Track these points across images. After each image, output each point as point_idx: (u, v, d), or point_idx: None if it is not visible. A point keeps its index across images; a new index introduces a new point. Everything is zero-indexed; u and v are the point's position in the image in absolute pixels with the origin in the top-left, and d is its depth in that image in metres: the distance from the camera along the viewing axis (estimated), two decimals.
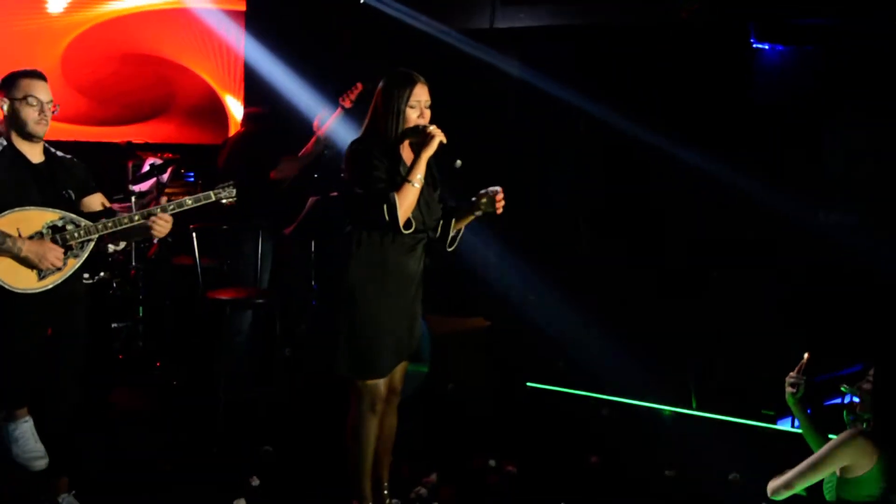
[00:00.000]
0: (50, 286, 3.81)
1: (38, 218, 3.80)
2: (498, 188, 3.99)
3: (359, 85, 6.00)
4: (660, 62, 6.47)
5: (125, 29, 7.35)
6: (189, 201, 3.97)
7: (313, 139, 6.21)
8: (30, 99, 3.84)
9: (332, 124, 6.11)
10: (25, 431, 3.96)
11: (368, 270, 3.91)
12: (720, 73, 6.29)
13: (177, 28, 7.59)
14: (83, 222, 3.87)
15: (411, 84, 3.89)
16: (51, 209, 3.83)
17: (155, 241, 6.22)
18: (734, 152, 6.25)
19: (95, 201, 4.06)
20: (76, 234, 3.83)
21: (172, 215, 3.92)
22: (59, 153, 4.04)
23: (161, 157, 6.67)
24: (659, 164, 6.59)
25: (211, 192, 4.02)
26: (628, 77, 6.60)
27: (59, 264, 3.79)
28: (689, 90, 6.36)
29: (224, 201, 4.05)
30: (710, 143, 6.32)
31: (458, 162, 3.82)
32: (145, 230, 3.91)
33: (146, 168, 6.41)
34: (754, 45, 6.24)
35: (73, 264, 3.86)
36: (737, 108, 6.27)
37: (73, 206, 3.93)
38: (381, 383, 4.01)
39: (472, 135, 6.18)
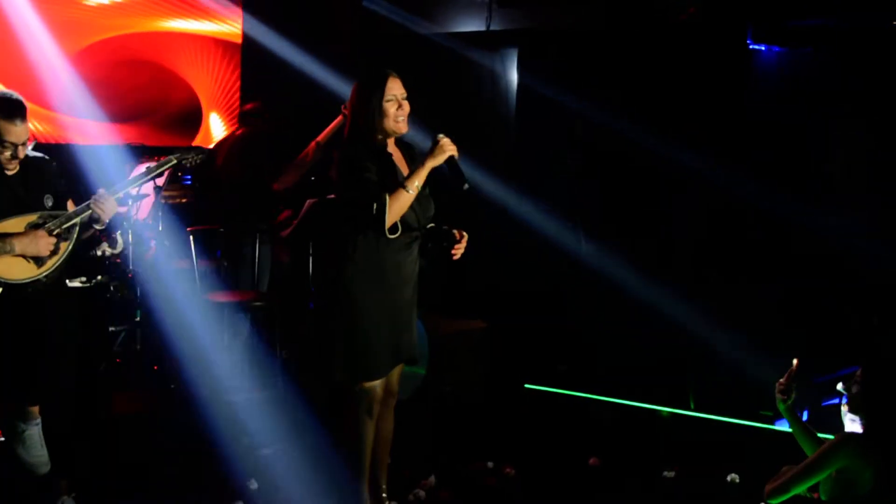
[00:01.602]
0: (52, 269, 3.83)
1: (17, 224, 3.82)
2: (464, 235, 3.99)
3: None
4: (657, 64, 6.48)
5: (145, 42, 7.46)
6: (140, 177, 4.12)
7: (313, 144, 6.17)
8: (4, 142, 3.83)
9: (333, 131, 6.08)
10: (34, 435, 3.98)
11: (364, 273, 3.91)
12: (717, 74, 6.29)
13: (191, 48, 7.71)
14: (60, 212, 3.90)
15: (383, 79, 3.89)
16: (27, 214, 3.84)
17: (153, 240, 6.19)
18: (731, 153, 6.25)
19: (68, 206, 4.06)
20: (58, 223, 3.85)
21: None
22: (33, 154, 4.01)
23: (157, 160, 6.65)
24: (656, 165, 6.59)
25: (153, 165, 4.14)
26: (625, 79, 6.61)
27: (51, 249, 3.80)
28: (686, 92, 6.37)
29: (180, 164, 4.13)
30: (707, 145, 6.33)
31: (467, 185, 3.80)
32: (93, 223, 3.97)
33: (142, 171, 6.39)
34: (751, 47, 6.25)
35: (66, 247, 3.90)
36: (733, 110, 6.28)
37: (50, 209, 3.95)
38: (378, 386, 4.01)
39: (468, 137, 6.19)
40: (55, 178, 4.07)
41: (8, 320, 3.84)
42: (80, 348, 4.16)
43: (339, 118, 6.00)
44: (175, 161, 4.09)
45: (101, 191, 3.96)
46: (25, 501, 4.20)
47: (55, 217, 3.87)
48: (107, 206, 3.95)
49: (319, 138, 6.11)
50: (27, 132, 3.86)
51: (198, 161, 4.15)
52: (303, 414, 5.64)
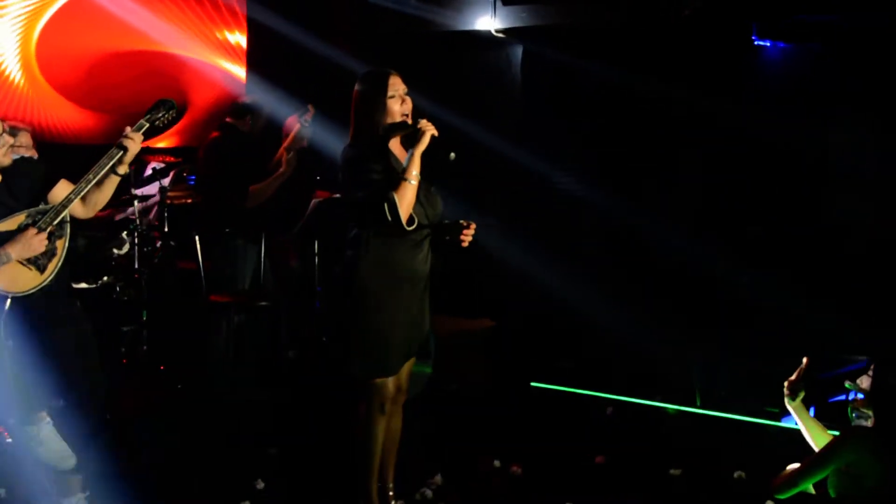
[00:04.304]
0: (55, 273, 3.82)
1: (7, 227, 3.79)
2: (472, 224, 4.02)
3: (310, 108, 6.02)
4: (661, 60, 6.46)
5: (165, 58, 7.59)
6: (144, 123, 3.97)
7: (283, 155, 6.08)
8: None
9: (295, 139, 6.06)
10: (49, 433, 4.00)
11: (378, 271, 3.93)
12: (722, 70, 6.28)
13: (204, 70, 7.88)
14: (48, 206, 3.86)
15: (385, 77, 3.94)
16: (15, 214, 3.82)
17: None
18: (737, 150, 6.24)
19: (60, 191, 3.97)
20: (48, 219, 3.80)
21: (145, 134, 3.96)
22: (16, 158, 3.99)
23: (163, 161, 6.66)
24: (661, 162, 6.58)
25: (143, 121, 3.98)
26: (630, 75, 6.59)
27: (45, 244, 3.78)
28: (690, 88, 6.36)
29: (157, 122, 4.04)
30: (712, 141, 6.31)
31: (453, 155, 3.87)
32: (115, 168, 3.90)
33: (148, 172, 6.41)
34: (756, 43, 6.23)
35: (63, 244, 3.87)
36: (739, 106, 6.27)
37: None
38: (390, 382, 4.03)
39: (473, 136, 6.19)
40: (43, 173, 4.01)
41: (15, 331, 3.83)
42: (93, 344, 4.15)
43: (297, 127, 5.97)
44: (147, 125, 3.99)
45: (127, 129, 3.91)
46: (39, 499, 4.21)
47: (44, 212, 3.82)
48: (136, 137, 3.89)
49: (291, 133, 6.08)
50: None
51: (171, 117, 4.06)
52: (309, 413, 5.65)
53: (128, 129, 3.90)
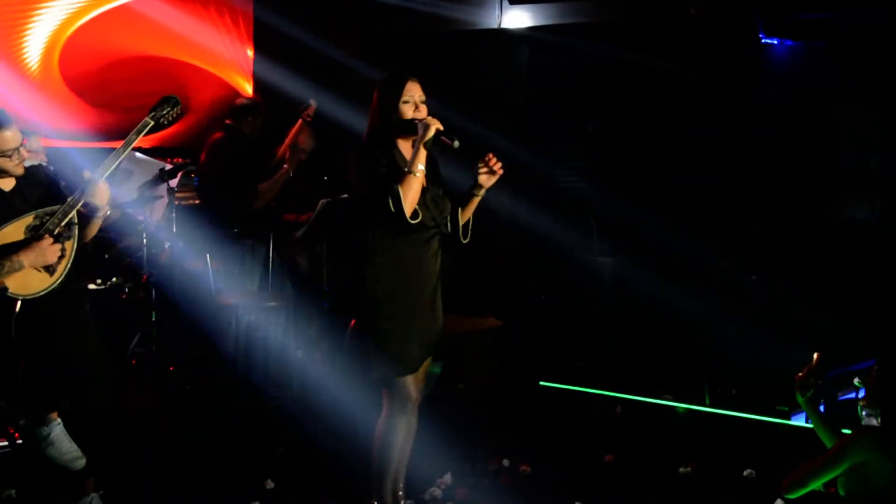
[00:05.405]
0: (64, 274, 3.83)
1: (16, 230, 3.81)
2: (488, 155, 4.03)
3: (312, 103, 6.05)
4: (668, 58, 6.46)
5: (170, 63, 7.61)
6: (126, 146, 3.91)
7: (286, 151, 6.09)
8: (7, 151, 3.82)
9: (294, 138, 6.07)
10: (59, 434, 4.01)
11: (388, 271, 3.95)
12: (729, 68, 6.27)
13: (208, 81, 7.83)
14: (56, 207, 3.87)
15: (402, 82, 3.97)
16: (23, 216, 3.84)
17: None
18: (744, 147, 6.24)
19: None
20: (56, 220, 3.82)
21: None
22: (27, 164, 4.00)
23: (171, 162, 6.67)
24: (668, 160, 6.58)
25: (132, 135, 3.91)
26: (637, 73, 6.59)
27: (59, 253, 3.80)
28: (697, 86, 6.35)
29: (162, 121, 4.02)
30: (719, 139, 6.31)
31: (457, 143, 3.87)
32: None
33: (156, 172, 6.40)
34: (763, 41, 6.23)
35: (72, 246, 3.88)
36: (746, 104, 6.26)
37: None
38: (411, 381, 4.03)
39: (479, 134, 6.19)
40: (53, 181, 4.03)
41: (22, 332, 3.84)
42: (102, 344, 4.16)
43: (300, 123, 5.98)
44: (151, 122, 3.96)
45: (85, 172, 3.85)
46: (52, 500, 4.23)
47: (52, 214, 3.84)
48: (98, 187, 3.84)
49: (291, 135, 6.08)
50: (18, 138, 3.87)
51: (175, 114, 4.03)
52: (318, 413, 5.66)
53: (86, 172, 3.85)
